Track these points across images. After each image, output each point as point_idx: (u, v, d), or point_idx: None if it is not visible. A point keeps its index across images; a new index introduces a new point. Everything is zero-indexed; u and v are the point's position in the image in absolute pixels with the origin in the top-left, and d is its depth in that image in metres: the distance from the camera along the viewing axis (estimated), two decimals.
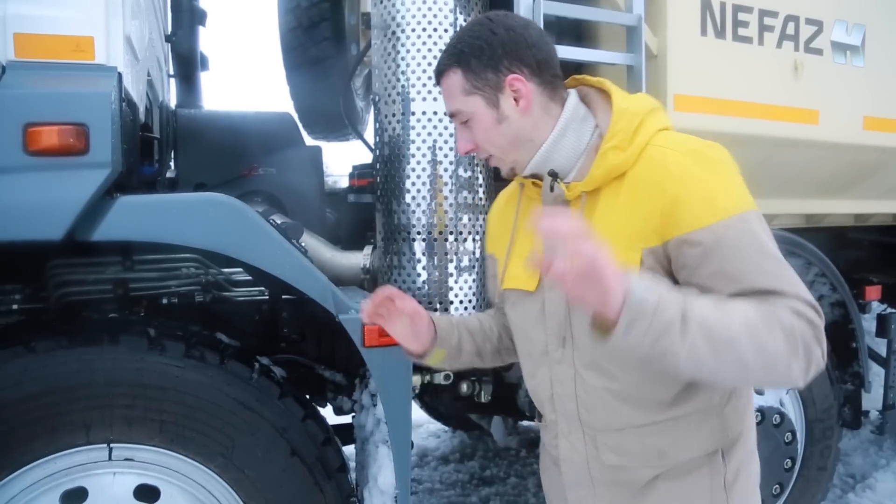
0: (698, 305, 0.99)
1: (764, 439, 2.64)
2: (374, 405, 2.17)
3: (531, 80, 1.18)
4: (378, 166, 2.25)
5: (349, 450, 2.34)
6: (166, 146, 2.82)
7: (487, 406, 2.62)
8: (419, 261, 2.12)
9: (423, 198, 2.11)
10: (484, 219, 2.19)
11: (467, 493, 3.90)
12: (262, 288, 2.40)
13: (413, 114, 2.11)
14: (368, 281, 2.38)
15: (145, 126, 2.47)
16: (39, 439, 1.76)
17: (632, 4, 2.27)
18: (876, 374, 3.23)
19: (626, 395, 1.18)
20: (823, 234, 3.17)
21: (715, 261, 1.05)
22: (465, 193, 2.14)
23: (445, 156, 2.11)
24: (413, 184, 2.11)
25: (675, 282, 1.10)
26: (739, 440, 1.23)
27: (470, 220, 2.15)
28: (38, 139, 1.66)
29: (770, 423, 2.65)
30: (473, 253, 2.16)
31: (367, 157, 3.14)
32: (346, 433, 2.47)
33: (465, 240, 2.14)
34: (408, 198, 2.12)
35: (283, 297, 2.41)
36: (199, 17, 3.72)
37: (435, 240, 2.11)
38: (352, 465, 2.25)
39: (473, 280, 2.16)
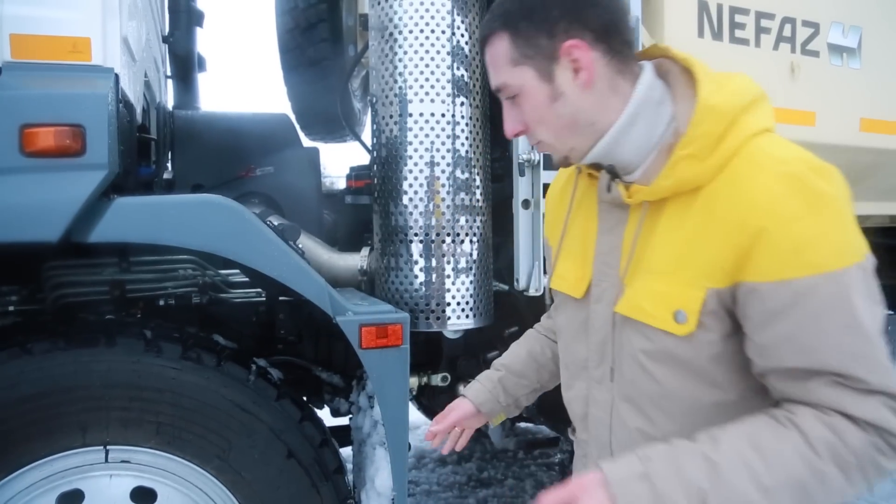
0: (718, 487, 0.80)
1: None
2: (372, 407, 2.17)
3: (595, 48, 0.94)
4: (375, 168, 2.25)
5: (346, 451, 2.34)
6: (163, 147, 2.82)
7: None
8: (416, 263, 2.12)
9: (421, 199, 2.11)
10: (481, 221, 2.19)
11: (465, 495, 3.90)
12: (259, 289, 2.39)
13: (410, 115, 2.11)
14: (365, 283, 2.38)
15: (142, 127, 2.47)
16: (36, 441, 1.76)
17: (629, 6, 2.27)
18: None
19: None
20: None
21: (786, 325, 0.85)
22: (462, 195, 2.13)
23: (443, 157, 2.11)
24: (410, 185, 2.11)
25: (738, 327, 0.92)
26: None
27: (467, 221, 2.15)
28: (34, 140, 1.66)
29: None
30: (471, 255, 2.16)
31: (364, 159, 3.15)
32: (344, 435, 2.47)
33: (463, 242, 2.14)
34: (405, 199, 2.12)
35: (281, 298, 2.41)
36: (196, 18, 3.71)
37: (432, 242, 2.11)
38: (349, 466, 2.25)
39: (471, 282, 2.16)
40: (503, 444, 4.27)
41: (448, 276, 2.13)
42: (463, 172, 2.14)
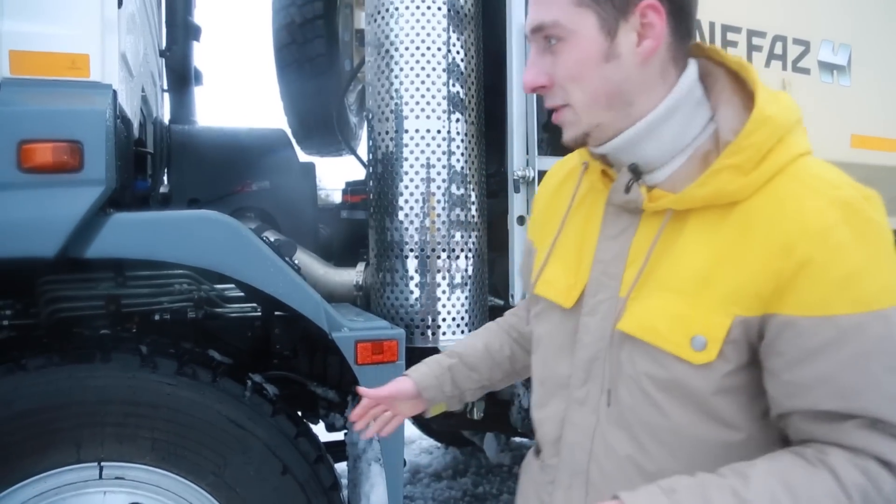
0: None
1: None
2: (367, 422, 2.17)
3: (668, 22, 0.84)
4: (371, 183, 2.26)
5: (341, 467, 2.33)
6: (160, 162, 2.83)
7: (480, 422, 2.62)
8: (412, 278, 2.13)
9: (416, 215, 2.12)
10: (476, 237, 2.20)
11: None
12: (255, 304, 2.39)
13: (406, 131, 2.12)
14: (361, 298, 2.38)
15: (139, 141, 2.47)
16: (30, 458, 1.75)
17: None
18: None
19: (653, 474, 0.86)
20: None
21: (825, 365, 0.77)
22: (457, 211, 2.15)
23: (438, 173, 2.12)
24: (406, 201, 2.13)
25: (755, 359, 0.83)
26: None
27: (462, 237, 2.16)
28: (32, 156, 1.67)
29: None
30: (466, 270, 2.17)
31: (359, 172, 3.16)
32: (339, 450, 2.46)
33: (458, 257, 2.15)
34: (401, 215, 2.13)
35: (276, 313, 2.41)
36: (193, 32, 3.74)
37: (427, 257, 2.12)
38: (344, 482, 2.24)
39: (466, 297, 2.17)
40: (498, 458, 4.26)
41: (444, 292, 2.13)
42: (458, 188, 2.15)
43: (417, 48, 2.11)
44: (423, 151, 2.12)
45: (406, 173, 2.13)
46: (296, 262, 2.20)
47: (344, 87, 3.26)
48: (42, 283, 2.08)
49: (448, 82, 2.13)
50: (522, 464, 1.16)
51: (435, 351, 2.23)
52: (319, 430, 2.39)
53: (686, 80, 0.88)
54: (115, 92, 1.81)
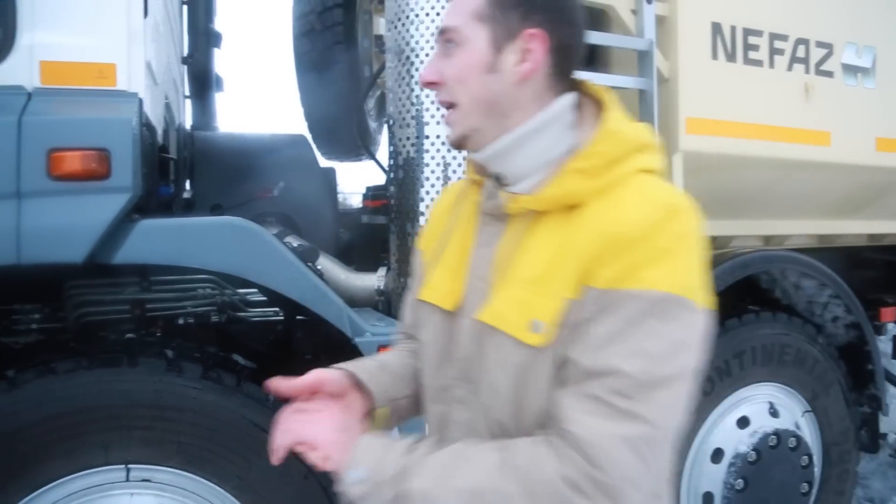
0: (418, 477, 0.88)
1: (780, 463, 2.62)
2: (390, 427, 2.18)
3: (548, 55, 0.97)
4: (392, 189, 2.27)
5: None
6: (183, 168, 2.86)
7: None
8: None
9: None
10: None
11: None
12: (277, 308, 2.41)
13: (427, 137, 2.13)
14: (383, 302, 2.39)
15: (162, 147, 2.51)
16: (59, 460, 1.78)
17: (643, 29, 2.30)
18: (893, 397, 3.20)
19: None
20: (837, 254, 3.16)
21: (602, 328, 0.85)
22: None
23: (459, 179, 2.13)
24: (427, 206, 2.14)
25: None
26: None
27: None
28: (61, 164, 1.70)
29: (786, 447, 2.63)
30: None
31: (379, 178, 3.18)
32: None
33: None
34: (422, 220, 2.14)
35: (298, 317, 2.43)
36: (214, 39, 3.79)
37: None
38: None
39: None
40: None
41: None
42: None
43: None
44: (443, 157, 2.13)
45: (427, 179, 2.14)
46: (318, 267, 2.22)
47: (363, 93, 3.28)
48: (70, 288, 2.11)
49: None
50: None
51: None
52: None
53: (557, 105, 0.98)
54: (140, 100, 1.84)
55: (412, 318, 1.21)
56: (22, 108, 1.70)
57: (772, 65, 2.55)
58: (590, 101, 1.02)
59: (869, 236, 3.31)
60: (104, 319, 2.13)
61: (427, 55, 2.13)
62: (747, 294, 2.86)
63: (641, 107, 2.31)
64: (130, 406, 1.81)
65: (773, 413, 2.71)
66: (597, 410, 0.83)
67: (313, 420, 1.00)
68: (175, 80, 3.17)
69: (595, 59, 2.46)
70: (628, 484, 0.82)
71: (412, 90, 2.16)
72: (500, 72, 0.96)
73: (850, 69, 2.74)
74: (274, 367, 2.37)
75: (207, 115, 3.82)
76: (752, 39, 2.51)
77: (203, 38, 3.64)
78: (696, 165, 2.39)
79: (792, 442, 2.64)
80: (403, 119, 2.19)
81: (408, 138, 2.18)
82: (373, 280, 2.42)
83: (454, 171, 2.13)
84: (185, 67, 3.64)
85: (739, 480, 2.55)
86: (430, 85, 1.00)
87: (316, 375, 1.05)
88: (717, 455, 2.59)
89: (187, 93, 3.80)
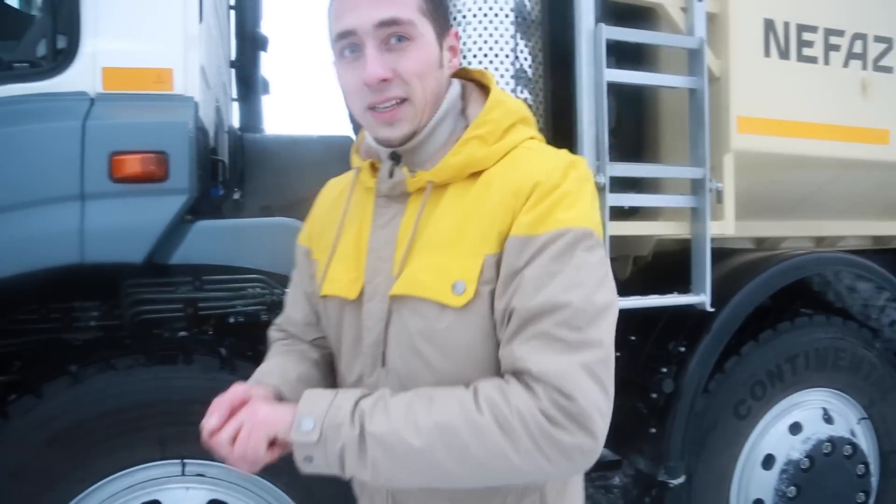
0: (380, 416, 0.88)
1: (834, 471, 2.55)
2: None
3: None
4: None
5: None
6: (233, 170, 2.92)
7: None
8: None
9: None
10: None
11: None
12: None
13: None
14: None
15: (212, 150, 2.56)
16: (118, 453, 1.83)
17: (693, 27, 2.26)
18: None
19: None
20: (892, 256, 3.06)
21: (532, 270, 0.91)
22: None
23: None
24: None
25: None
26: None
27: None
28: (122, 167, 1.75)
29: (841, 454, 2.55)
30: None
31: None
32: None
33: None
34: None
35: None
36: (261, 43, 3.86)
37: None
38: None
39: None
40: None
41: None
42: None
43: (486, 55, 2.12)
44: None
45: None
46: None
47: None
48: (127, 287, 2.18)
49: (516, 89, 2.13)
50: None
51: None
52: None
53: (453, 91, 1.06)
54: (196, 104, 1.89)
55: (304, 316, 1.23)
56: (86, 114, 1.76)
57: (827, 61, 2.48)
58: (470, 84, 1.10)
59: None
60: (158, 318, 2.19)
61: (475, 56, 2.13)
62: (798, 297, 2.79)
63: (692, 106, 2.27)
64: (186, 402, 1.85)
65: (828, 419, 2.64)
66: (552, 347, 0.87)
67: (246, 413, 0.97)
68: (224, 83, 3.24)
69: (644, 58, 2.43)
70: (595, 411, 0.86)
71: None
72: (443, 67, 1.02)
73: None
74: None
75: (254, 118, 3.89)
76: (806, 36, 2.44)
77: (250, 41, 3.71)
78: (748, 165, 2.35)
79: (847, 449, 2.57)
80: None
81: None
82: None
83: None
84: (233, 71, 3.72)
85: (792, 488, 2.49)
86: (380, 82, 0.95)
87: (244, 387, 1.05)
88: (769, 461, 2.54)
89: (235, 96, 3.87)
